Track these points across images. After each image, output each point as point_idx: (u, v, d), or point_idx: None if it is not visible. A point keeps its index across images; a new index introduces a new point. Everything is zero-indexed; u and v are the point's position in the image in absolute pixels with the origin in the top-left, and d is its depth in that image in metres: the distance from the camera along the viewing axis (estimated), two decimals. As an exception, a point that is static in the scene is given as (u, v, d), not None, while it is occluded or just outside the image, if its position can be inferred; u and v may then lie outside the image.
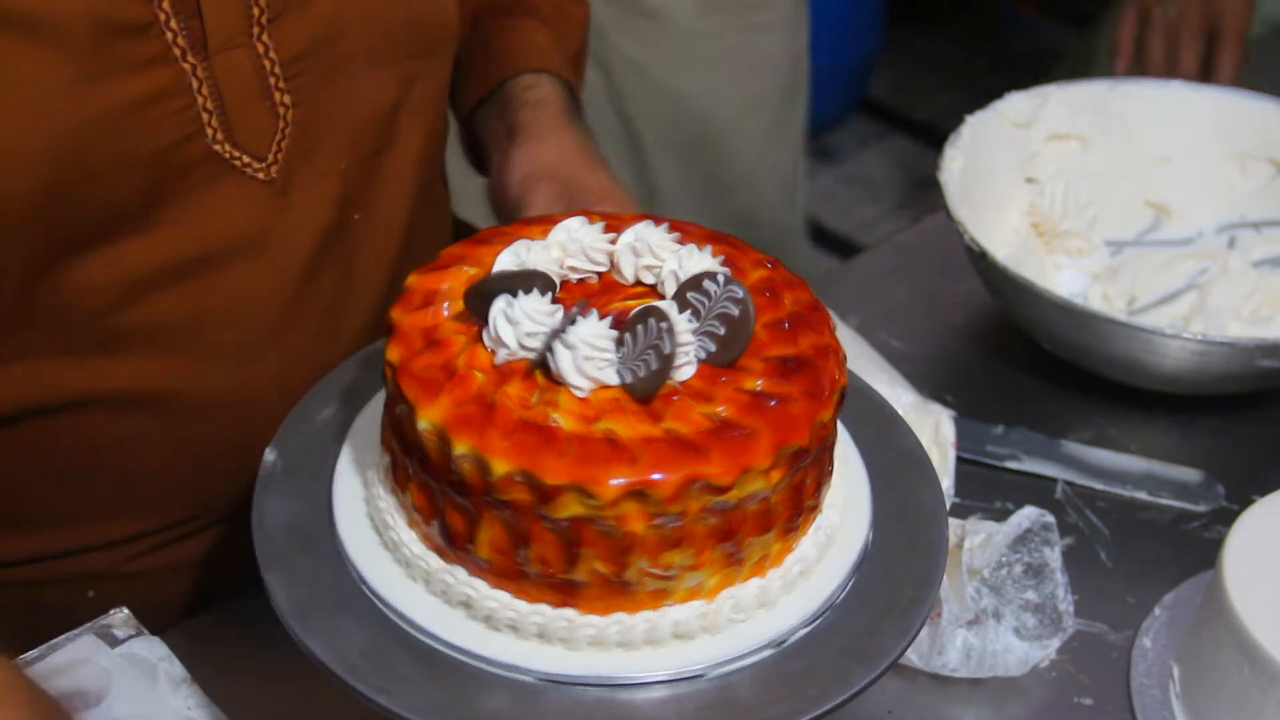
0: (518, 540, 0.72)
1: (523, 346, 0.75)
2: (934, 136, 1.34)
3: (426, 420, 0.72)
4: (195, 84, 0.89)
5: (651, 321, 0.74)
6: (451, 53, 1.07)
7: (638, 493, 0.70)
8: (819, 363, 0.77)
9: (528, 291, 0.76)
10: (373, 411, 0.85)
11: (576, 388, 0.74)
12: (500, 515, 0.72)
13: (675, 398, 0.74)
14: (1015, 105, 1.31)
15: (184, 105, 0.89)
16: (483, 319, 0.76)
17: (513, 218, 1.01)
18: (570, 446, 0.71)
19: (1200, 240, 1.33)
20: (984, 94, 1.33)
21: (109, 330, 0.93)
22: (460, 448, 0.71)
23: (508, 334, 0.75)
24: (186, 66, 0.88)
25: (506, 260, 0.79)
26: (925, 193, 3.03)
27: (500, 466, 0.70)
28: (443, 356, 0.75)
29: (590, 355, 0.74)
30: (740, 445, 0.72)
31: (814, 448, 0.75)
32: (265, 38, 0.91)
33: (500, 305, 0.75)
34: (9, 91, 0.83)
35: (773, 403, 0.74)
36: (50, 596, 1.04)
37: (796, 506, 0.76)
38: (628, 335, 0.74)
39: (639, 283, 0.82)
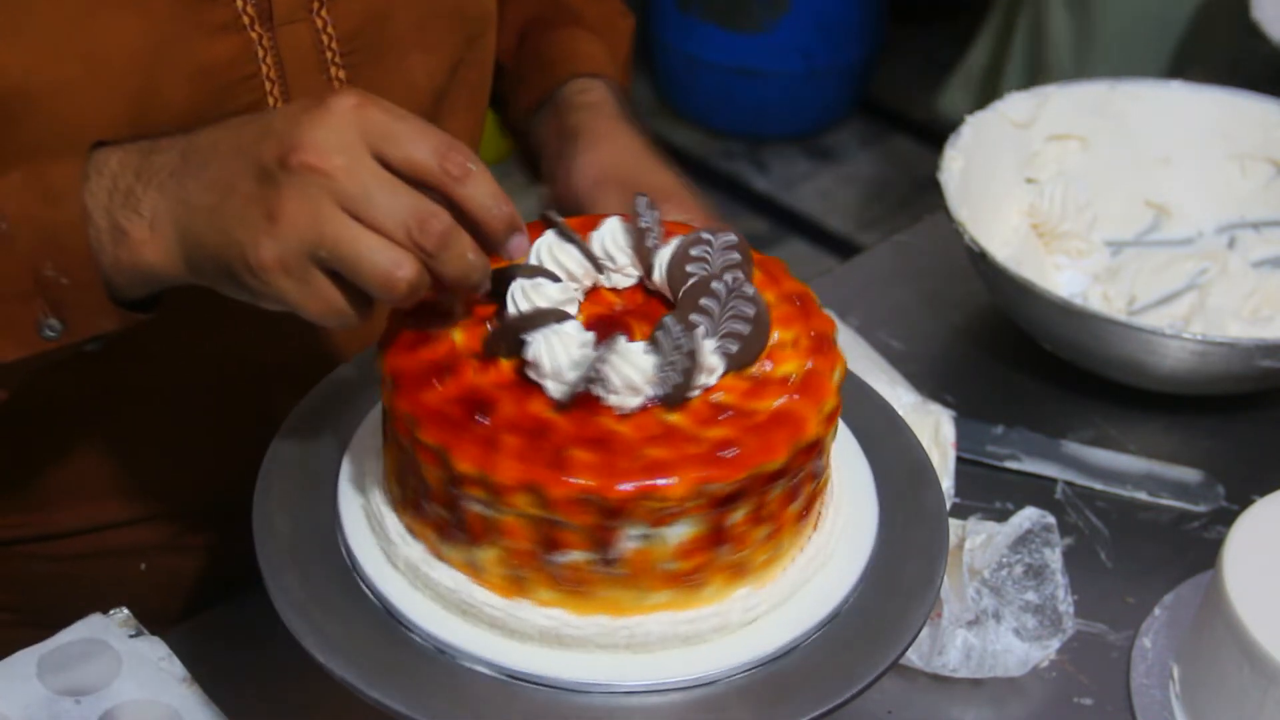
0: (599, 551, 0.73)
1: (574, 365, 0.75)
2: (934, 136, 1.34)
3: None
4: (260, 54, 0.91)
5: (671, 325, 0.74)
6: (492, 44, 1.08)
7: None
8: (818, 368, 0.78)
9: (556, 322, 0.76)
10: (375, 416, 0.85)
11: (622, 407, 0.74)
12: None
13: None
14: (1015, 105, 1.31)
15: (250, 74, 0.91)
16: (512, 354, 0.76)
17: None
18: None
19: (1200, 240, 1.33)
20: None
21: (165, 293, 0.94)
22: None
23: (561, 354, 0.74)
24: (254, 35, 0.90)
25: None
26: (925, 193, 3.03)
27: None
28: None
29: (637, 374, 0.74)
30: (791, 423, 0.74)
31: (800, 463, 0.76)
32: (324, 13, 0.93)
33: (543, 337, 0.75)
34: (92, 52, 0.84)
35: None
36: (103, 570, 1.05)
37: (803, 506, 0.76)
38: (652, 345, 0.75)
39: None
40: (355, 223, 0.71)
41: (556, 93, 1.12)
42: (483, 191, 0.73)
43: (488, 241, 0.75)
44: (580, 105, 1.10)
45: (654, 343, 0.74)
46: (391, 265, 0.71)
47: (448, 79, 1.03)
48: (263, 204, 0.72)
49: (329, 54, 0.94)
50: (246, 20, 0.89)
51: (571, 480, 0.70)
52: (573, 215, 1.01)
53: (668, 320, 0.74)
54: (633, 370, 0.73)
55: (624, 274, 0.82)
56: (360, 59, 0.95)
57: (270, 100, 0.92)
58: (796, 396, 0.75)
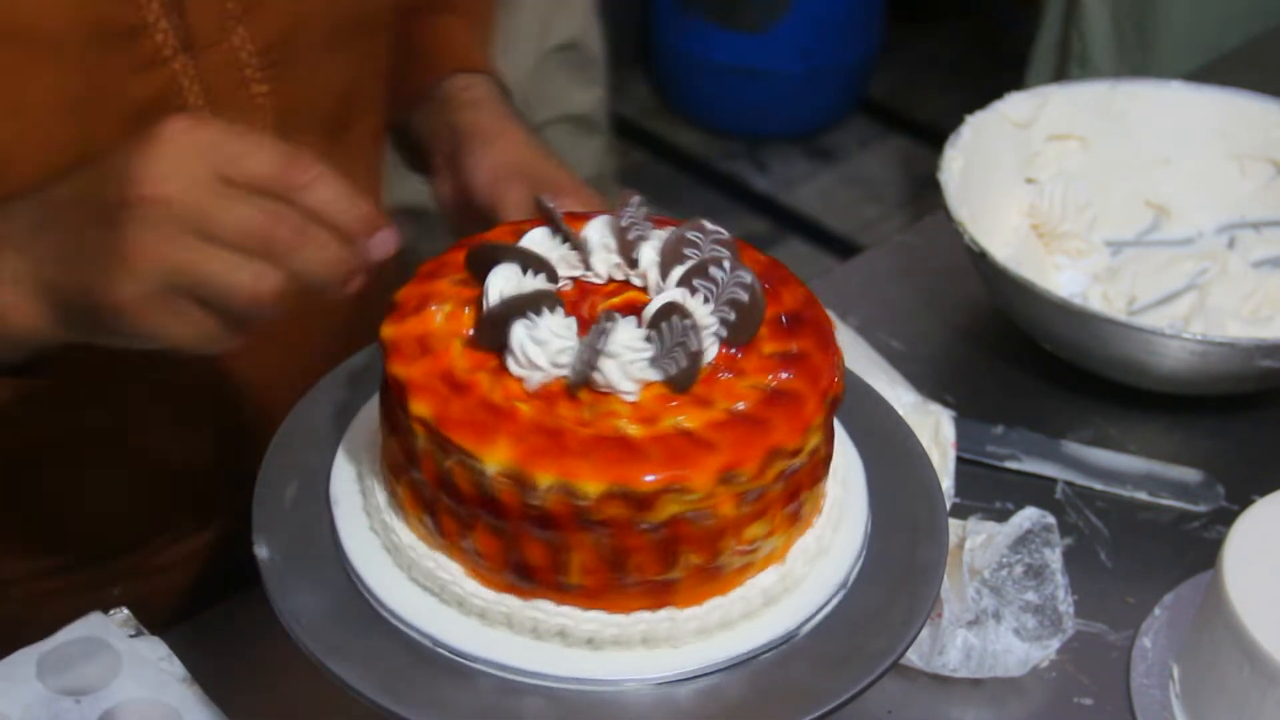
0: (614, 555, 0.73)
1: (555, 365, 0.74)
2: (934, 136, 1.34)
3: (495, 463, 0.70)
4: (187, 83, 0.90)
5: (675, 319, 0.74)
6: (390, 32, 1.08)
7: (727, 477, 0.71)
8: (819, 356, 0.78)
9: (539, 313, 0.75)
10: (366, 416, 0.85)
11: (627, 393, 0.74)
12: (593, 536, 0.72)
13: (722, 375, 0.76)
14: (1015, 105, 1.31)
15: (179, 106, 0.90)
16: (499, 347, 0.75)
17: (485, 221, 1.01)
18: (652, 449, 0.71)
19: (1200, 240, 1.33)
20: (984, 94, 1.33)
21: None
22: (545, 480, 0.70)
23: (539, 356, 0.74)
24: (178, 66, 0.89)
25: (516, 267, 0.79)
26: (925, 193, 3.03)
27: (592, 488, 0.70)
28: (476, 397, 0.73)
29: (633, 359, 0.74)
30: (793, 412, 0.74)
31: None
32: (242, 30, 0.92)
33: (521, 326, 0.74)
34: (19, 110, 0.83)
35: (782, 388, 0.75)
36: (79, 601, 1.05)
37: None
38: (655, 333, 0.75)
39: (611, 280, 0.81)
40: (206, 245, 0.70)
41: (437, 88, 1.11)
42: (331, 194, 0.72)
43: (349, 243, 0.74)
44: (467, 103, 1.09)
45: (656, 330, 0.75)
46: (253, 280, 0.70)
47: (357, 74, 1.03)
48: (113, 245, 0.71)
49: (248, 70, 0.93)
50: (169, 52, 0.88)
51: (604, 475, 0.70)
52: (474, 214, 1.01)
53: (673, 314, 0.75)
54: (625, 348, 0.73)
55: (609, 268, 0.81)
56: (279, 71, 0.95)
57: None
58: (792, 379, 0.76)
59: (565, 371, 0.74)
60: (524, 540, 0.72)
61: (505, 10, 1.90)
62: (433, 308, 0.77)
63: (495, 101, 1.10)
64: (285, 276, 0.71)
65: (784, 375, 0.76)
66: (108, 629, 0.87)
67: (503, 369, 0.75)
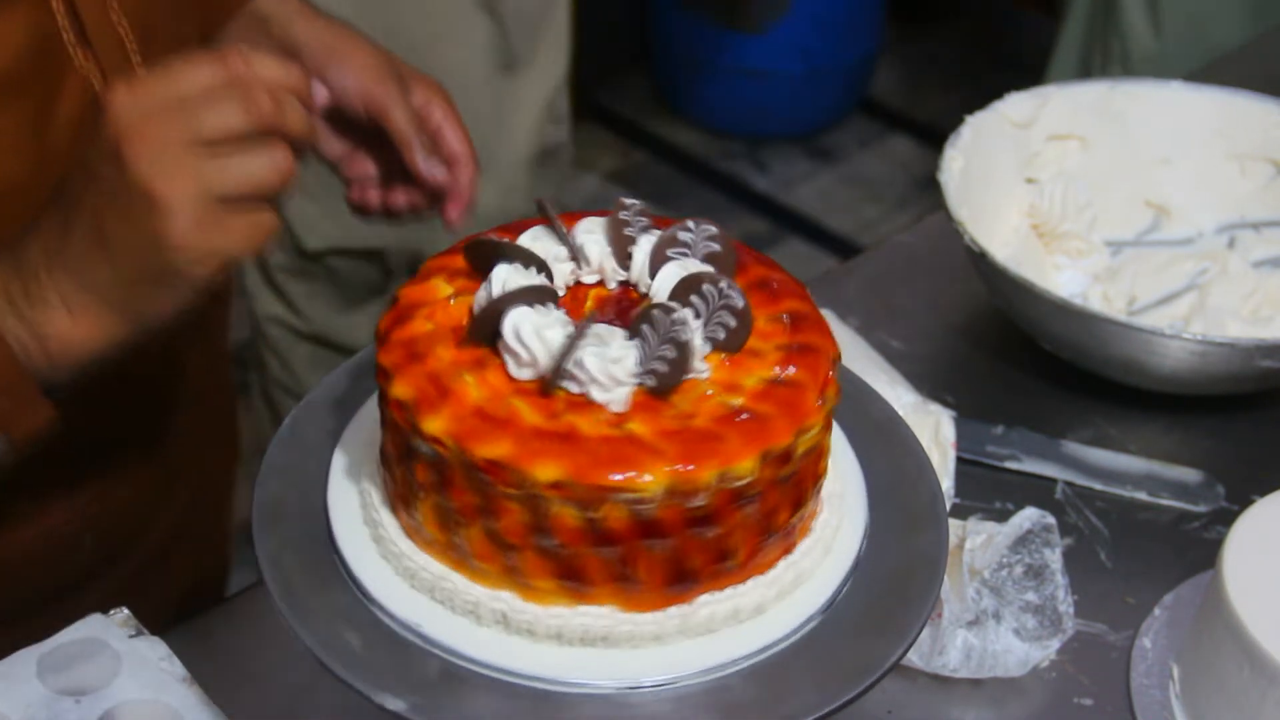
0: (765, 518, 0.75)
1: (633, 377, 0.73)
2: (934, 136, 1.34)
3: (657, 488, 0.70)
4: (92, 77, 0.92)
5: (706, 287, 0.76)
6: None
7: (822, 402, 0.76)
8: (804, 305, 0.80)
9: (598, 335, 0.75)
10: (364, 417, 0.85)
11: (702, 371, 0.75)
12: (748, 509, 0.73)
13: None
14: (1015, 105, 1.31)
15: (89, 89, 0.91)
16: (565, 382, 0.74)
17: (365, 129, 1.01)
18: (767, 407, 0.74)
19: (1200, 240, 1.33)
20: (984, 94, 1.33)
21: None
22: (707, 478, 0.71)
23: (621, 373, 0.73)
24: (81, 58, 0.91)
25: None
26: (925, 193, 3.03)
27: (748, 465, 0.72)
28: (592, 439, 0.71)
29: (698, 341, 0.75)
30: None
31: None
32: (125, 21, 0.93)
33: (591, 354, 0.73)
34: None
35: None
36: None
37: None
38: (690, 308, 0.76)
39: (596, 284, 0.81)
40: (215, 152, 0.75)
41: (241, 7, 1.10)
42: (268, 63, 0.78)
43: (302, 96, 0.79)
44: (286, 18, 1.07)
45: (690, 307, 0.75)
46: (270, 158, 0.76)
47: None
48: (141, 199, 0.75)
49: (129, 45, 0.95)
50: (77, 62, 0.90)
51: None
52: (352, 122, 1.02)
53: (702, 285, 0.75)
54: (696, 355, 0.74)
55: (602, 269, 0.80)
56: (151, 53, 0.96)
57: None
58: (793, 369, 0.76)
59: (640, 380, 0.74)
60: (688, 547, 0.73)
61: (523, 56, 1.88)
62: (456, 382, 0.74)
63: (316, 11, 1.08)
64: (287, 145, 0.77)
65: (796, 334, 0.78)
66: (108, 629, 0.87)
67: (578, 403, 0.73)
